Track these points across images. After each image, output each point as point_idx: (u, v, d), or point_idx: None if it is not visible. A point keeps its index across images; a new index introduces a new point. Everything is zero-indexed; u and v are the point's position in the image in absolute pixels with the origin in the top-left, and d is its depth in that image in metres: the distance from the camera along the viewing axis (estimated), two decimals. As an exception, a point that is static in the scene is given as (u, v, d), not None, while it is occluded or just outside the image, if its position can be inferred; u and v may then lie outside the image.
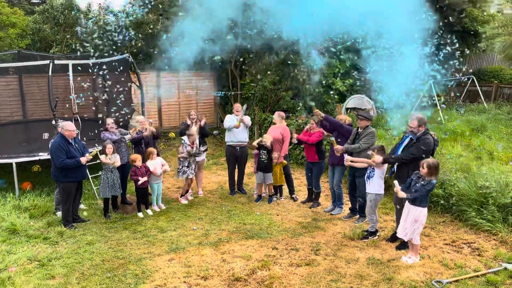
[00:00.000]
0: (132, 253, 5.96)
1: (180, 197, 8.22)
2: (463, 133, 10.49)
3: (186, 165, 7.90)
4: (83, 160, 6.74)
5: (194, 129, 7.99)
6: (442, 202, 7.04)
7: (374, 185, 6.17)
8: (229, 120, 8.44)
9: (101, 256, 5.85)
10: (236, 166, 8.61)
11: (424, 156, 5.55)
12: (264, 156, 7.89)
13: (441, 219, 6.92)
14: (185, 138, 7.96)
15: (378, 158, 5.93)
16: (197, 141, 8.00)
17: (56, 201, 7.40)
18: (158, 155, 7.94)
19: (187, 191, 8.24)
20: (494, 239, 6.13)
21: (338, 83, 12.09)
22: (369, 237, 6.29)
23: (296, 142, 7.72)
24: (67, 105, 8.32)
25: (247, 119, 8.47)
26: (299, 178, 9.55)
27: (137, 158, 7.41)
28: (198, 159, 8.21)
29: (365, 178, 6.35)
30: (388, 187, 7.08)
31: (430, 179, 5.24)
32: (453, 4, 14.17)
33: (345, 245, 6.12)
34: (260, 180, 8.09)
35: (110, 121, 7.86)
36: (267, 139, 7.92)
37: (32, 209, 7.42)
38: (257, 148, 8.03)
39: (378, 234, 6.41)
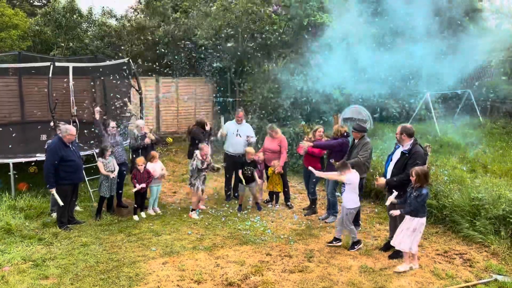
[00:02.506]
0: (127, 255, 5.98)
1: (191, 211, 7.79)
2: (458, 146, 10.61)
3: (195, 177, 7.58)
4: (52, 190, 6.69)
5: (207, 145, 7.69)
6: (435, 212, 7.10)
7: (348, 201, 6.15)
8: (227, 128, 8.51)
9: (96, 258, 5.87)
10: (234, 173, 8.65)
11: None
12: (249, 172, 7.81)
13: (434, 229, 6.97)
14: (197, 152, 7.56)
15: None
16: (209, 156, 7.71)
17: (52, 202, 7.41)
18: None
19: (199, 201, 8.01)
20: (485, 250, 6.18)
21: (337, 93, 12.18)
22: (355, 247, 6.25)
23: (303, 153, 7.72)
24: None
25: (252, 139, 8.47)
26: (295, 186, 9.60)
27: (141, 162, 7.43)
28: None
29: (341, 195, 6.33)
30: (382, 196, 7.14)
31: (420, 188, 5.30)
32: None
33: (338, 253, 6.16)
34: (242, 191, 8.00)
35: (112, 124, 7.90)
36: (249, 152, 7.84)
37: (27, 210, 7.43)
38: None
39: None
